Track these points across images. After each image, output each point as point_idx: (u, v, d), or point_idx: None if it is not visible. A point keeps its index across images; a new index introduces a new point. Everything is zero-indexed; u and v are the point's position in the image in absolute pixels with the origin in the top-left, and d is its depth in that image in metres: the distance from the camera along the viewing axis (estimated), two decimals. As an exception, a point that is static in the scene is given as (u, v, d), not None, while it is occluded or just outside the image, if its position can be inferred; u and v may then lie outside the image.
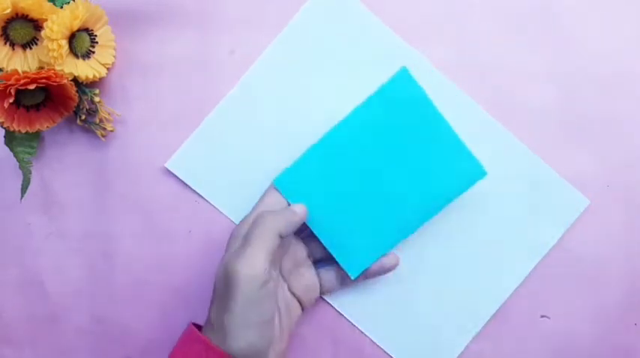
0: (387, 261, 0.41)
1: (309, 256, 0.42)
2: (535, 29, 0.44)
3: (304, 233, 0.42)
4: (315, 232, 0.40)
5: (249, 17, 0.44)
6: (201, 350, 0.35)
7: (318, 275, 0.42)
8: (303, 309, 0.41)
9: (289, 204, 0.40)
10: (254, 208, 0.39)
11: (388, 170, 0.39)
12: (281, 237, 0.37)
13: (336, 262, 0.41)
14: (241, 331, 0.35)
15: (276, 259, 0.38)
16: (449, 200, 0.40)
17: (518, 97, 0.44)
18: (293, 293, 0.41)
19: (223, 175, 0.44)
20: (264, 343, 0.36)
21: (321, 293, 0.42)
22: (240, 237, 0.38)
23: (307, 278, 0.41)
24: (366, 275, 0.41)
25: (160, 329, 0.44)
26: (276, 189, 0.40)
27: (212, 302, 0.37)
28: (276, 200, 0.40)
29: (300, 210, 0.39)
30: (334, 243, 0.40)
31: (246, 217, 0.39)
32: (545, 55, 0.44)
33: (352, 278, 0.41)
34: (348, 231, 0.40)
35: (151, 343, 0.45)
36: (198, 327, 0.38)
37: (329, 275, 0.42)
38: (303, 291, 0.41)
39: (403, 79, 0.39)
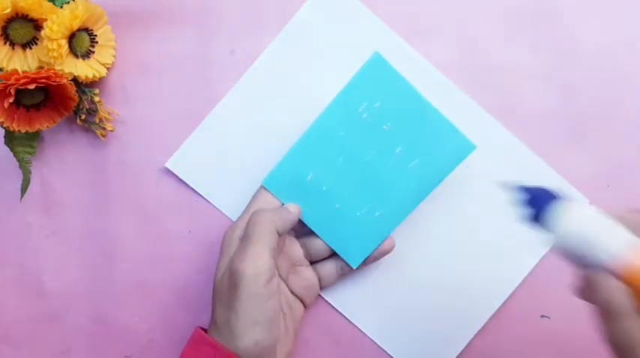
0: (384, 244, 0.41)
1: (305, 256, 0.41)
2: (535, 29, 0.44)
3: (299, 233, 0.42)
4: (311, 227, 0.40)
5: (249, 17, 0.44)
6: (209, 351, 0.35)
7: (316, 271, 0.42)
8: (305, 307, 0.42)
9: (282, 204, 0.40)
10: (245, 211, 0.40)
11: (376, 156, 0.39)
12: (279, 234, 0.37)
13: (334, 256, 0.41)
14: (247, 330, 0.35)
15: (275, 258, 0.39)
16: (441, 178, 0.39)
17: (518, 97, 0.44)
18: (293, 293, 0.41)
19: (223, 175, 0.44)
20: (270, 341, 0.36)
21: (321, 287, 0.42)
22: (236, 239, 0.38)
23: (306, 276, 0.41)
24: (365, 261, 0.41)
25: (160, 329, 0.44)
26: (267, 190, 0.40)
27: (215, 305, 0.37)
28: (267, 200, 0.40)
29: (294, 209, 0.39)
30: (332, 236, 0.40)
31: (237, 221, 0.39)
32: (545, 55, 0.44)
33: (354, 267, 0.41)
34: (344, 222, 0.40)
35: (150, 343, 0.45)
36: (204, 330, 0.38)
37: (327, 268, 0.41)
38: (304, 290, 0.41)
39: (377, 64, 0.38)
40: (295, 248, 0.41)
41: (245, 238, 0.37)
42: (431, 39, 0.44)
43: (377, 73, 0.39)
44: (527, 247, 0.43)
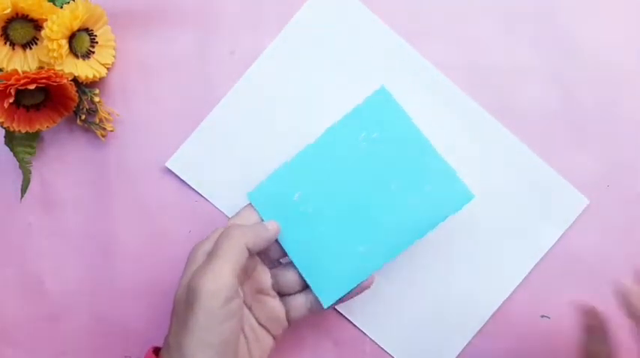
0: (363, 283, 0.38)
1: (274, 287, 0.38)
2: (535, 29, 0.44)
3: (272, 263, 0.40)
4: (287, 252, 0.38)
5: (249, 17, 0.44)
6: None
7: (284, 303, 0.38)
8: (275, 339, 0.39)
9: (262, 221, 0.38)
10: (228, 222, 0.38)
11: (368, 191, 0.38)
12: (249, 251, 0.35)
13: (304, 290, 0.38)
14: (198, 352, 0.32)
15: (241, 279, 0.35)
16: (433, 224, 0.37)
17: (518, 97, 0.44)
18: (259, 322, 0.38)
19: (223, 175, 0.44)
20: None
21: (289, 321, 0.39)
22: (202, 254, 0.35)
23: (272, 306, 0.38)
24: (340, 300, 0.38)
25: (160, 329, 0.44)
26: (252, 208, 0.38)
27: (171, 323, 0.34)
28: (249, 215, 0.38)
29: (272, 227, 0.37)
30: (308, 265, 0.38)
31: (209, 235, 0.37)
32: (546, 55, 0.44)
33: (324, 306, 0.38)
34: (323, 255, 0.38)
35: (150, 343, 0.44)
36: (159, 350, 0.35)
37: (296, 302, 0.38)
38: (268, 321, 0.38)
39: (382, 97, 0.38)
40: (264, 276, 0.38)
41: (211, 253, 0.34)
42: (431, 39, 0.44)
43: (381, 106, 0.38)
44: (527, 247, 0.43)
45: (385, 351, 0.44)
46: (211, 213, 0.44)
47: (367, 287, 0.38)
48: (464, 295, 0.44)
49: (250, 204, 0.39)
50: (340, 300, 0.38)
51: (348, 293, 0.38)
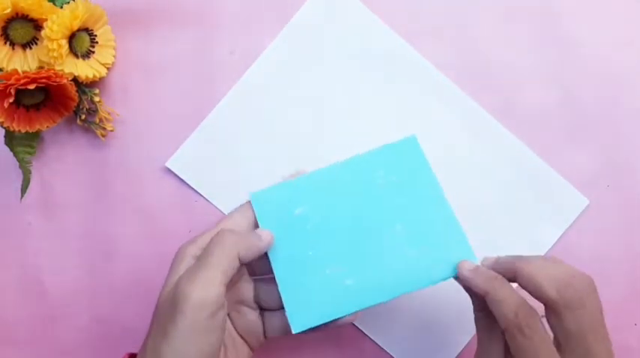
0: (344, 318, 0.36)
1: (255, 300, 0.37)
2: (535, 29, 0.44)
3: (257, 276, 0.38)
4: (272, 267, 0.36)
5: (249, 17, 0.44)
6: None
7: (262, 318, 0.37)
8: (252, 350, 0.37)
9: (257, 226, 0.37)
10: (218, 224, 0.36)
11: (370, 228, 0.36)
12: (240, 261, 0.33)
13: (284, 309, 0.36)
14: None
15: (228, 288, 0.33)
16: (427, 282, 0.35)
17: (518, 97, 0.44)
18: (237, 332, 0.37)
19: (223, 175, 0.44)
20: None
21: (265, 336, 0.37)
22: (190, 256, 0.34)
23: (250, 319, 0.37)
24: (313, 328, 0.36)
25: (160, 329, 0.44)
26: (250, 207, 0.37)
27: (150, 328, 0.33)
28: (244, 213, 0.37)
29: (265, 237, 0.35)
30: (288, 286, 0.36)
31: (197, 237, 0.35)
32: (546, 55, 0.44)
33: (293, 331, 0.35)
34: (307, 279, 0.36)
35: (150, 343, 0.45)
36: (135, 356, 0.34)
37: (273, 320, 0.37)
38: (245, 332, 0.37)
39: (410, 146, 0.37)
40: (248, 287, 0.37)
41: (201, 258, 0.33)
42: (431, 39, 0.44)
43: (407, 154, 0.37)
44: (526, 247, 0.43)
45: (385, 351, 0.44)
46: (211, 213, 0.44)
47: (347, 323, 0.36)
48: (464, 295, 0.44)
49: (249, 202, 0.37)
50: (313, 330, 0.36)
51: (323, 324, 0.35)
